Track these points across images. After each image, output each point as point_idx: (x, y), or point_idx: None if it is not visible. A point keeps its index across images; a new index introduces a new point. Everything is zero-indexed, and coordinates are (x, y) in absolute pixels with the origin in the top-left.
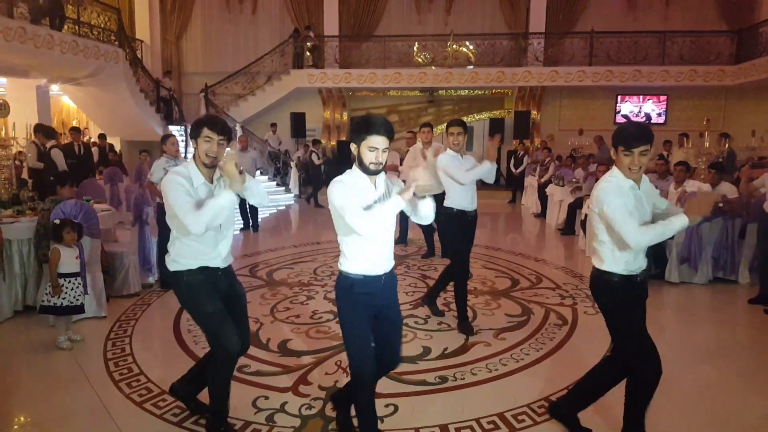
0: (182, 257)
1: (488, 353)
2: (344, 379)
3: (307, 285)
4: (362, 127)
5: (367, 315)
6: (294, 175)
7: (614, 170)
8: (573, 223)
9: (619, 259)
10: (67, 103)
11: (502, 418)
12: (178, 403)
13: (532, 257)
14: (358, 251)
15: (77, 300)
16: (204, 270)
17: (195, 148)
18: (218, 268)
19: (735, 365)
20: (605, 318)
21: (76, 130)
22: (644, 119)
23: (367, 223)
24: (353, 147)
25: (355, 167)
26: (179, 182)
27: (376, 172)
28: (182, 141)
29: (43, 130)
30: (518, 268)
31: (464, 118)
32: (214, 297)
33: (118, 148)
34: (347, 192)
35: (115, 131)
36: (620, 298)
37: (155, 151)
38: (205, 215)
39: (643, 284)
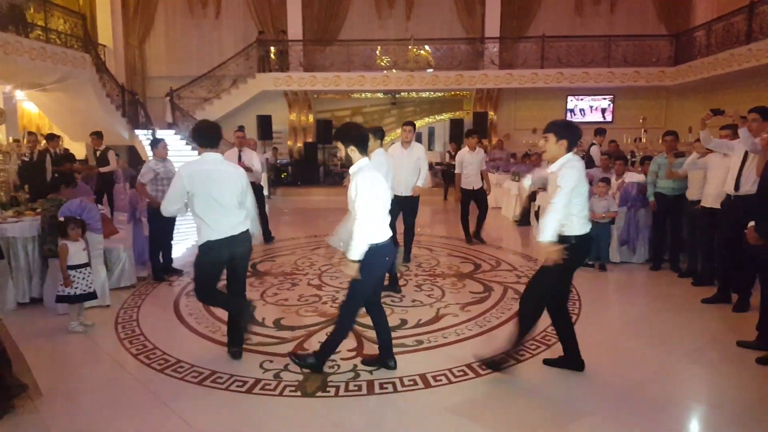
0: None
1: (456, 322)
2: None
3: (290, 274)
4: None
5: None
6: (264, 176)
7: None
8: (528, 215)
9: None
10: (28, 109)
11: (470, 367)
12: (196, 366)
13: (493, 245)
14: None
15: (89, 288)
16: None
17: None
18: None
19: (660, 326)
20: (539, 274)
21: (52, 137)
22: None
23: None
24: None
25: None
26: None
27: None
28: (148, 144)
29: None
30: (480, 255)
31: (426, 119)
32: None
33: (83, 152)
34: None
35: (81, 136)
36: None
37: (122, 154)
38: None
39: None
